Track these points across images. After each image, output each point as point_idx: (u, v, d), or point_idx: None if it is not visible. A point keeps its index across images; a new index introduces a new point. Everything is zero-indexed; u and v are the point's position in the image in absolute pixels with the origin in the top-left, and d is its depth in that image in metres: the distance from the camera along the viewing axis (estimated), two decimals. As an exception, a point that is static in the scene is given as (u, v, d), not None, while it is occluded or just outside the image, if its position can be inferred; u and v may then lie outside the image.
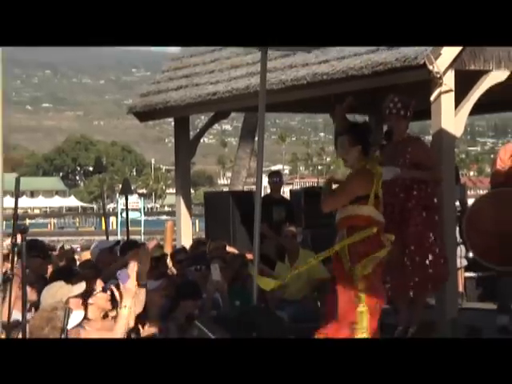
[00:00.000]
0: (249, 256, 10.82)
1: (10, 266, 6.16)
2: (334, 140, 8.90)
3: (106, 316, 7.82)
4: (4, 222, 5.70)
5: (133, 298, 7.41)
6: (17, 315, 6.16)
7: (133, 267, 7.40)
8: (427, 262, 8.59)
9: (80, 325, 6.82)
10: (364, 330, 7.45)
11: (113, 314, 7.79)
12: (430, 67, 9.89)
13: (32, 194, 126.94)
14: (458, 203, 11.13)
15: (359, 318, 7.51)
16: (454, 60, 10.17)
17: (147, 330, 7.98)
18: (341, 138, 8.30)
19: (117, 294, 7.41)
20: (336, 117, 9.31)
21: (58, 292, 7.34)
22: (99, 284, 8.01)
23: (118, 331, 7.12)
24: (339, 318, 7.65)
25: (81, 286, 7.46)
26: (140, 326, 7.84)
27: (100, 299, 7.83)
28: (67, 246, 16.18)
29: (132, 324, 7.48)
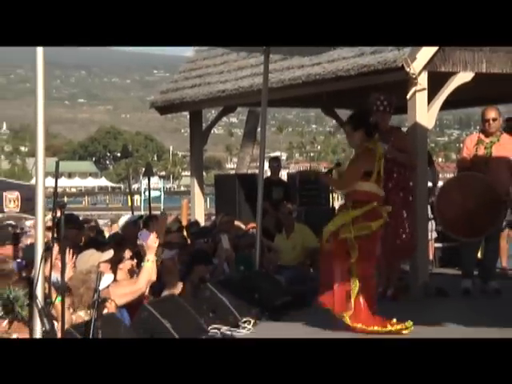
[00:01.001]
0: (252, 228, 10.83)
1: (50, 236, 6.14)
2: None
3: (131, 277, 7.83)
4: (46, 199, 5.68)
5: (154, 252, 7.44)
6: (56, 277, 6.15)
7: (152, 228, 7.51)
8: (401, 234, 8.58)
9: (109, 287, 6.80)
10: (354, 295, 7.53)
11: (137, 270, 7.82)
12: (407, 69, 9.89)
13: (69, 176, 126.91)
14: (430, 184, 11.10)
15: (353, 285, 7.55)
16: (428, 63, 10.17)
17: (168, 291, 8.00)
18: (346, 127, 8.37)
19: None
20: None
21: (91, 258, 7.34)
22: (128, 252, 8.02)
23: (142, 282, 7.15)
24: (335, 284, 7.65)
25: (109, 253, 7.45)
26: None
27: (127, 265, 7.84)
28: (98, 221, 16.15)
29: (154, 277, 7.50)
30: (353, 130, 7.98)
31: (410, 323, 7.49)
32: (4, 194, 17.14)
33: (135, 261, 8.05)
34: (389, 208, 7.90)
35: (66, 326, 5.79)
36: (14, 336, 5.60)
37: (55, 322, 5.64)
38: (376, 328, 7.46)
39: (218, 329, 7.30)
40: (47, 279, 5.71)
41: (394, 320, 7.51)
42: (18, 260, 8.61)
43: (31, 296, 5.51)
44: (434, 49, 10.04)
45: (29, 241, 9.34)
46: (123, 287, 7.18)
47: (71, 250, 7.10)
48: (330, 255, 7.79)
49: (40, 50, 5.40)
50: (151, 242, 7.48)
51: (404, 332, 7.44)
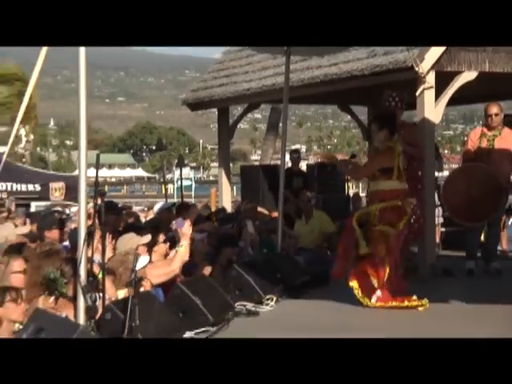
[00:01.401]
0: (274, 215, 10.81)
1: (92, 221, 6.16)
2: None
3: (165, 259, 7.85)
4: (88, 188, 5.69)
5: (188, 238, 7.49)
6: (98, 258, 6.17)
7: (186, 216, 7.58)
8: (411, 220, 8.55)
9: (145, 267, 6.82)
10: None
11: (172, 254, 7.83)
12: (416, 69, 9.84)
13: (109, 167, 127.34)
14: (437, 174, 11.08)
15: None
16: (435, 63, 10.12)
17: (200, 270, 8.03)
18: (372, 125, 8.49)
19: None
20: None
21: (130, 241, 7.36)
22: (161, 236, 8.05)
23: (176, 265, 7.18)
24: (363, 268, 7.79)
25: (147, 238, 7.49)
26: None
27: (161, 248, 7.85)
28: (135, 208, 16.19)
29: (187, 258, 7.54)
30: (378, 129, 8.07)
31: (425, 301, 7.50)
32: (50, 184, 17.32)
33: (168, 244, 8.08)
34: (413, 201, 7.96)
35: (107, 303, 5.83)
36: (61, 312, 5.62)
37: (98, 298, 5.67)
38: (394, 303, 7.54)
39: (244, 305, 7.31)
40: (89, 260, 5.73)
41: (414, 297, 7.55)
42: (64, 243, 8.66)
43: (75, 275, 5.53)
44: (440, 50, 10.00)
45: (73, 226, 9.36)
46: (159, 268, 7.21)
47: (111, 234, 7.14)
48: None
49: (82, 52, 5.40)
50: (185, 229, 7.61)
51: (420, 309, 7.47)
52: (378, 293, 7.60)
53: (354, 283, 7.65)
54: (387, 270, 7.65)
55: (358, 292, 7.62)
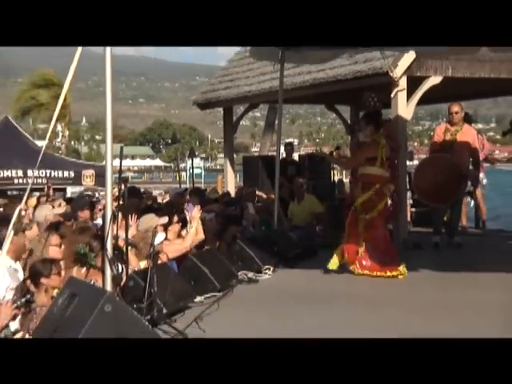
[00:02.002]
0: (271, 197, 10.79)
1: (117, 204, 6.14)
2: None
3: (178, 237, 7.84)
4: (113, 176, 5.67)
5: (197, 221, 7.49)
6: (122, 235, 6.16)
7: (196, 202, 7.60)
8: (388, 202, 8.53)
9: (162, 243, 6.82)
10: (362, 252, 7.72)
11: (183, 233, 7.83)
12: (391, 74, 9.86)
13: (132, 158, 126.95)
14: (408, 163, 11.13)
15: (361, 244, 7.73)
16: (407, 69, 10.15)
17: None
18: (361, 121, 8.68)
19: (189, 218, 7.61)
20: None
21: (151, 221, 7.35)
22: (175, 217, 8.06)
23: (187, 243, 7.18)
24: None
25: (164, 219, 7.48)
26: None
27: (175, 227, 7.84)
28: (154, 192, 16.19)
29: (202, 236, 7.56)
30: (365, 124, 8.16)
31: (404, 270, 7.54)
32: (83, 172, 17.39)
33: (180, 224, 8.09)
34: (392, 187, 7.98)
35: (130, 272, 5.84)
36: (91, 280, 5.62)
37: (122, 268, 5.66)
38: (378, 273, 7.54)
39: (246, 274, 7.31)
40: (115, 236, 5.72)
41: (401, 267, 7.56)
42: (95, 222, 8.67)
43: (103, 249, 5.52)
44: (411, 58, 10.02)
45: (101, 207, 9.37)
46: (173, 245, 7.20)
47: (134, 215, 7.13)
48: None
49: (108, 61, 5.36)
50: (195, 213, 7.61)
51: (400, 277, 7.50)
52: (364, 263, 7.61)
53: (346, 255, 7.66)
54: (368, 246, 7.69)
55: (348, 262, 7.68)
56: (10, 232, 5.76)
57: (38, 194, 12.72)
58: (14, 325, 5.41)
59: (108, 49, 5.28)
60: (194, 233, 7.43)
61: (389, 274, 7.55)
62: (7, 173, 16.26)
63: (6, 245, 5.58)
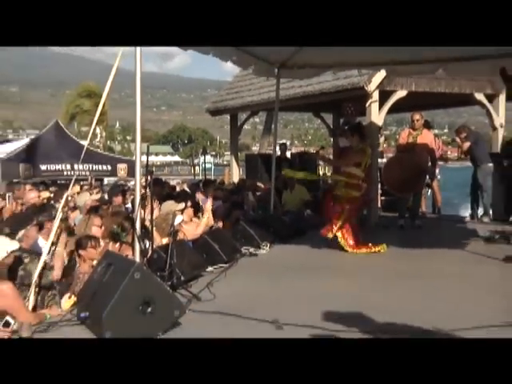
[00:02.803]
0: (268, 187, 10.76)
1: (144, 191, 6.11)
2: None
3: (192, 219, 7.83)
4: (141, 169, 5.63)
5: (209, 212, 7.49)
6: (147, 217, 6.13)
7: (208, 195, 7.59)
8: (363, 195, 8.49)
9: (180, 224, 6.80)
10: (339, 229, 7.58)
11: (196, 219, 7.80)
12: (366, 88, 9.80)
13: (156, 154, 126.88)
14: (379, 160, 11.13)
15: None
16: (379, 84, 10.11)
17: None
18: (347, 131, 8.45)
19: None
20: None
21: (171, 206, 7.34)
22: (189, 203, 8.05)
23: (200, 230, 7.16)
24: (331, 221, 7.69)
25: (181, 205, 7.48)
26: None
27: (189, 211, 7.82)
28: (173, 182, 16.17)
29: (211, 223, 7.55)
30: (351, 135, 7.95)
31: (384, 246, 7.52)
32: (117, 165, 17.49)
33: (193, 209, 8.09)
34: (365, 185, 7.83)
35: (155, 247, 5.81)
36: (123, 253, 5.58)
37: (148, 244, 5.64)
38: (365, 250, 7.48)
39: (247, 249, 7.29)
40: (142, 218, 5.68)
41: (370, 244, 7.53)
42: (126, 206, 8.64)
43: (133, 228, 5.48)
44: (382, 75, 9.97)
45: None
46: (189, 230, 7.15)
47: (157, 201, 7.11)
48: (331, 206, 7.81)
49: (138, 77, 5.29)
50: (208, 206, 7.73)
51: (381, 251, 7.45)
52: (351, 242, 7.53)
53: (339, 234, 7.58)
54: (354, 227, 7.65)
55: (341, 240, 7.56)
56: (59, 213, 5.73)
57: (81, 183, 12.70)
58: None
59: (138, 67, 5.22)
60: (206, 222, 7.45)
61: (374, 249, 7.49)
62: (58, 166, 16.69)
63: (56, 223, 5.53)
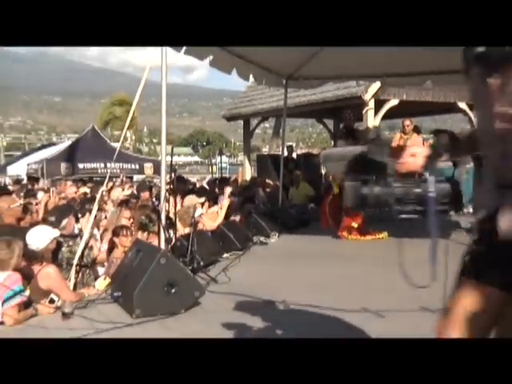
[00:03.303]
0: (277, 184, 10.74)
1: (168, 187, 6.12)
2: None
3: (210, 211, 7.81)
4: (166, 167, 5.62)
5: (225, 208, 7.45)
6: (172, 210, 6.13)
7: (226, 194, 7.58)
8: None
9: (200, 216, 6.79)
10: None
11: (215, 210, 7.79)
12: (363, 97, 9.77)
13: (178, 155, 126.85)
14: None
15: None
16: (374, 94, 10.07)
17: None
18: (343, 135, 8.32)
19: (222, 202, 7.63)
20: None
21: (191, 200, 7.33)
22: (208, 198, 8.04)
23: (217, 223, 7.13)
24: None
25: (201, 199, 7.48)
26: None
27: (208, 204, 7.82)
28: (193, 179, 16.20)
29: (222, 219, 7.53)
30: (345, 138, 7.94)
31: (385, 234, 7.34)
32: (144, 164, 17.52)
33: (212, 202, 8.07)
34: None
35: (178, 236, 5.80)
36: (151, 241, 5.58)
37: (172, 233, 5.63)
38: (369, 237, 7.34)
39: (259, 238, 7.27)
40: (167, 210, 5.68)
41: (373, 231, 7.38)
42: (153, 200, 8.63)
43: (159, 219, 5.49)
44: (377, 86, 9.95)
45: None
46: (208, 221, 7.15)
47: (180, 195, 7.11)
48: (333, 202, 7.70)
49: (164, 87, 5.28)
50: (224, 202, 7.68)
51: (384, 238, 7.27)
52: (354, 231, 7.43)
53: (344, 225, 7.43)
54: (359, 219, 7.48)
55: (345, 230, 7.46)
56: (95, 206, 5.76)
57: (114, 180, 12.75)
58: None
59: (163, 79, 5.21)
60: (223, 217, 7.43)
61: (377, 236, 7.33)
62: (93, 165, 16.78)
63: (93, 215, 5.56)
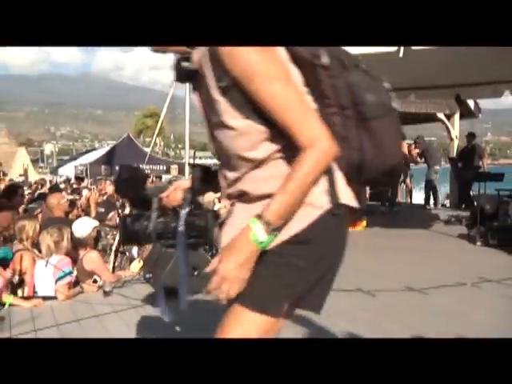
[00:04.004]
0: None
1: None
2: None
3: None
4: (189, 168, 5.58)
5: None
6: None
7: None
8: None
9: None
10: None
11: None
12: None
13: (200, 158, 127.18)
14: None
15: None
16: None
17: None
18: None
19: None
20: None
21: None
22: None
23: None
24: None
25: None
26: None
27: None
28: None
29: None
30: None
31: (363, 223, 7.43)
32: (171, 166, 17.57)
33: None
34: None
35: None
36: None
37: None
38: (358, 228, 7.30)
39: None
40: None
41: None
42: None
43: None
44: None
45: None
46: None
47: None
48: None
49: (187, 101, 5.26)
50: None
51: (364, 227, 7.38)
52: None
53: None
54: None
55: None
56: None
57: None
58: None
59: (187, 94, 5.21)
60: None
61: (358, 228, 7.37)
62: None
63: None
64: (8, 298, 3.59)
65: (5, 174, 16.66)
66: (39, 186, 12.83)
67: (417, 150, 10.14)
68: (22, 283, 3.99)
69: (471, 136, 10.02)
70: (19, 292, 3.94)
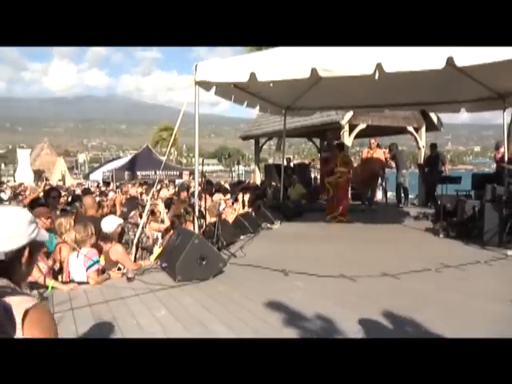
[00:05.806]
0: (279, 185, 10.63)
1: (201, 189, 6.06)
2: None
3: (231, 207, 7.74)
4: (199, 174, 5.59)
5: (241, 203, 7.36)
6: (203, 204, 6.06)
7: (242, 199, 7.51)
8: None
9: (223, 209, 6.74)
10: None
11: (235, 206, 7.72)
12: (341, 122, 9.68)
13: (208, 165, 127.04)
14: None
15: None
16: (348, 120, 9.96)
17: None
18: (332, 146, 8.64)
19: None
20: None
21: (218, 197, 7.28)
22: (229, 196, 7.96)
23: (236, 212, 7.06)
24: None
25: (227, 197, 7.41)
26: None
27: (229, 201, 7.74)
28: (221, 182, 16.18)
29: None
30: (337, 149, 8.09)
31: (350, 218, 7.69)
32: (183, 171, 17.57)
33: (232, 200, 7.99)
34: (349, 175, 7.98)
35: (207, 223, 5.76)
36: (187, 227, 5.54)
37: (203, 222, 5.59)
38: (347, 218, 7.66)
39: (266, 224, 7.20)
40: (199, 205, 5.64)
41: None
42: (189, 197, 8.60)
43: (194, 211, 5.46)
44: (351, 114, 9.87)
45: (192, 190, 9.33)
46: (230, 212, 7.07)
47: (208, 194, 7.03)
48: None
49: (197, 116, 5.22)
50: (240, 198, 7.54)
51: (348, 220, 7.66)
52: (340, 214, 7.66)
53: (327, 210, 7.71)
54: (344, 204, 7.76)
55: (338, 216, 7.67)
56: (148, 202, 5.74)
57: (161, 183, 12.77)
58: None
59: (197, 110, 5.19)
60: (239, 210, 7.34)
61: (343, 219, 7.60)
62: (147, 172, 17.12)
63: (147, 208, 5.54)
64: (50, 283, 3.62)
65: (47, 179, 16.85)
66: (75, 190, 12.90)
67: (389, 155, 10.21)
68: (61, 270, 4.04)
69: (433, 146, 10.04)
70: (59, 277, 4.01)
